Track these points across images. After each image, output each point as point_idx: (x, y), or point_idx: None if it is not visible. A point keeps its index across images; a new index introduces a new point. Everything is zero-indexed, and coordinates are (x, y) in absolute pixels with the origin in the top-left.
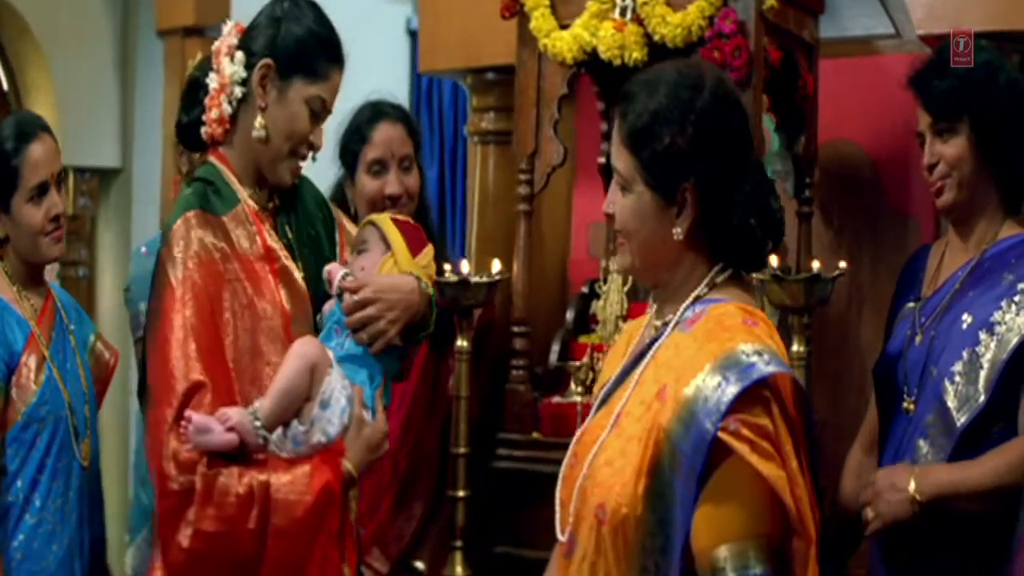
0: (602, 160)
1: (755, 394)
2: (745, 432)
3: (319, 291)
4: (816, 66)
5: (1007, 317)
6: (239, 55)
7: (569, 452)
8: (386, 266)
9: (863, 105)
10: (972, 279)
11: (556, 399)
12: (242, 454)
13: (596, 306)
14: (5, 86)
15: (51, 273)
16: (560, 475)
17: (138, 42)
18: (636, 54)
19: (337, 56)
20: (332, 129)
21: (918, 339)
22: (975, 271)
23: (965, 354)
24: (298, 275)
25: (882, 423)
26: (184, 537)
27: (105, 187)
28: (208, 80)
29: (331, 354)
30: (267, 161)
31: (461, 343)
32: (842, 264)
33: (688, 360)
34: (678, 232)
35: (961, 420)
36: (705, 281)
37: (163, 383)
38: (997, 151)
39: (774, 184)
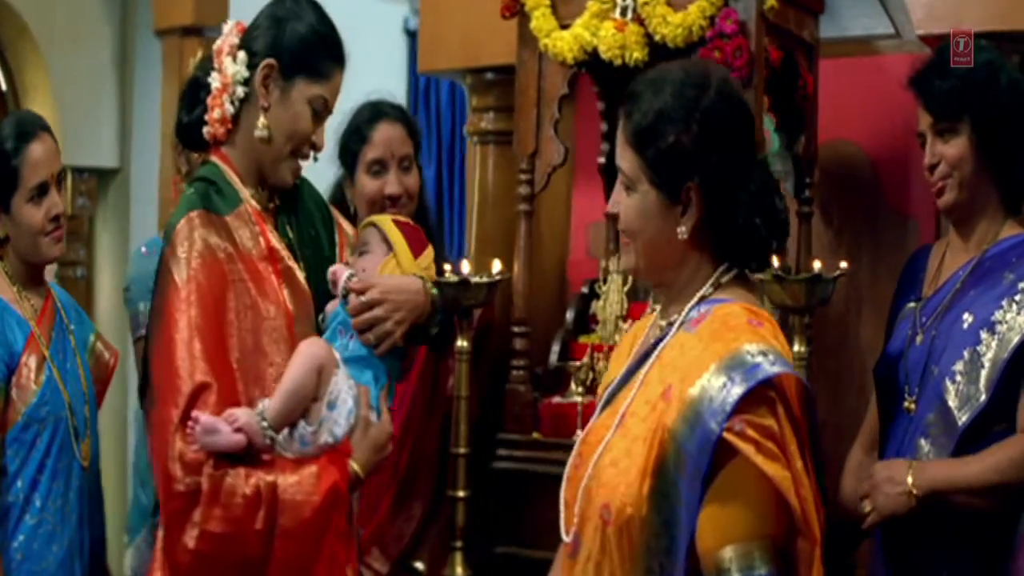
0: (602, 160)
1: (760, 395)
2: (750, 433)
3: (320, 291)
4: (816, 66)
5: (1008, 316)
6: (241, 55)
7: (574, 452)
8: (388, 267)
9: (863, 105)
10: (973, 279)
11: (556, 399)
12: (248, 455)
13: (596, 306)
14: (3, 86)
15: (49, 273)
16: (565, 475)
17: (136, 42)
18: (637, 54)
19: (339, 56)
20: (331, 129)
21: (919, 339)
22: (976, 271)
23: (966, 353)
24: (301, 275)
25: (883, 423)
26: (190, 538)
27: (103, 187)
28: (210, 80)
29: (337, 355)
30: (269, 161)
31: (461, 343)
32: (843, 264)
33: (693, 360)
34: (683, 231)
35: (962, 419)
36: (710, 281)
37: (168, 383)
38: (998, 151)
39: (779, 184)
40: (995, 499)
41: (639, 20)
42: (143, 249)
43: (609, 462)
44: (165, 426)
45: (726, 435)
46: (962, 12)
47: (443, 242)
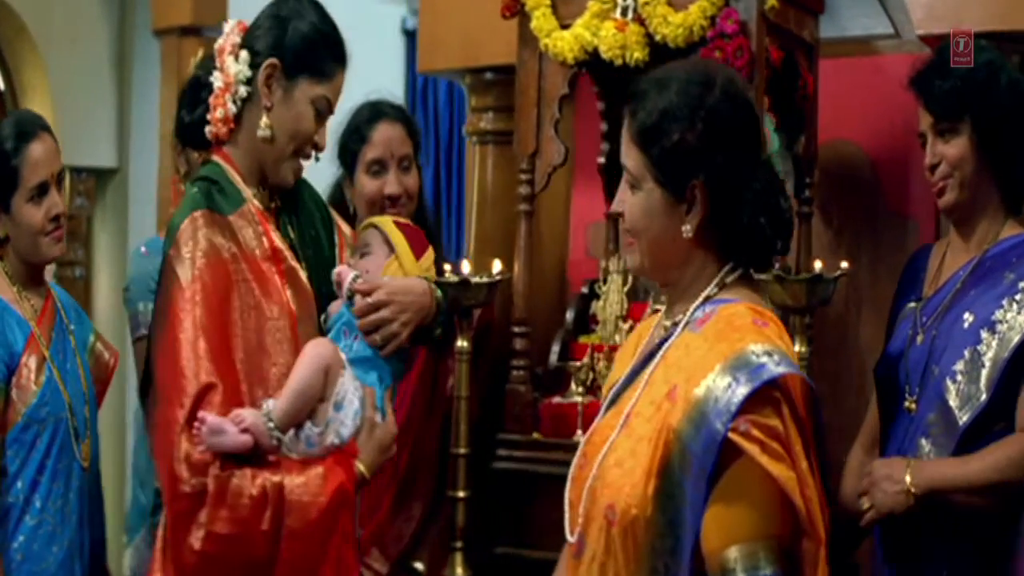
0: (601, 160)
1: (765, 395)
2: (755, 433)
3: (321, 292)
4: (816, 66)
5: (1008, 316)
6: (243, 54)
7: (578, 452)
8: (390, 269)
9: (862, 105)
10: (973, 278)
11: (556, 399)
12: (254, 455)
13: (596, 306)
14: (2, 86)
15: (48, 273)
16: (569, 475)
17: (135, 42)
18: (637, 54)
19: (341, 56)
20: (331, 129)
21: (919, 338)
22: (976, 270)
23: (967, 353)
24: (303, 275)
25: (883, 423)
26: (196, 539)
27: (102, 187)
28: (212, 79)
29: (343, 355)
30: (271, 161)
31: (461, 343)
32: (844, 264)
33: (698, 360)
34: (687, 230)
35: (963, 419)
36: (715, 281)
37: (173, 383)
38: (999, 151)
39: (784, 184)
40: (995, 498)
41: (640, 20)
42: (142, 249)
43: (614, 462)
44: (170, 426)
45: (731, 435)
46: (962, 12)
47: (441, 242)
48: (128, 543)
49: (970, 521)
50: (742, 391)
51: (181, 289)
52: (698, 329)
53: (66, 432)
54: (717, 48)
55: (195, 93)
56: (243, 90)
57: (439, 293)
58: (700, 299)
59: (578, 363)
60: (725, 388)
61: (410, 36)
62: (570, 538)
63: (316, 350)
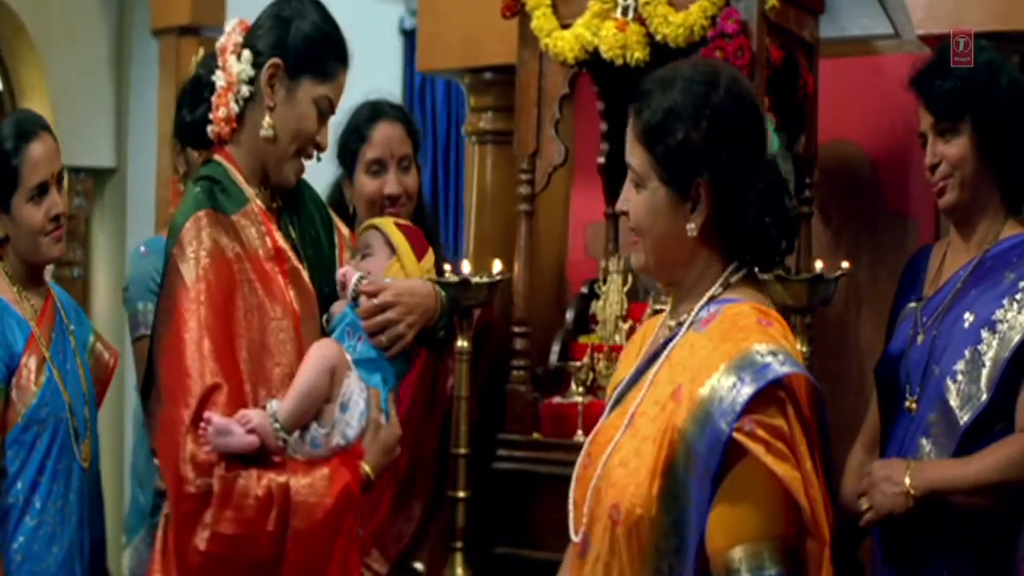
0: (601, 160)
1: (770, 395)
2: (760, 433)
3: (322, 292)
4: (816, 66)
5: (1009, 315)
6: (246, 53)
7: (583, 452)
8: (392, 270)
9: (862, 105)
10: (974, 278)
11: (556, 399)
12: (259, 456)
13: (596, 306)
14: (0, 86)
15: (46, 273)
16: (574, 475)
17: (133, 41)
18: (638, 54)
19: (344, 56)
20: (331, 129)
21: (920, 338)
22: (977, 270)
23: (967, 353)
24: (306, 276)
25: (884, 422)
26: (201, 540)
27: (100, 187)
28: (214, 78)
29: (348, 356)
30: (273, 160)
31: (461, 343)
32: (845, 264)
33: (703, 360)
34: (692, 228)
35: (964, 419)
36: (719, 281)
37: (179, 383)
38: (999, 151)
39: (788, 183)
40: (995, 498)
41: (640, 20)
42: (142, 249)
43: (618, 462)
44: (176, 427)
45: (736, 435)
46: (962, 12)
47: (439, 242)
48: (127, 543)
49: (970, 522)
50: (747, 391)
51: (186, 289)
52: (703, 329)
53: (66, 433)
54: (718, 48)
55: (197, 92)
56: (246, 89)
57: (443, 295)
58: (705, 299)
59: (578, 363)
60: (730, 388)
61: (408, 36)
62: (574, 538)
63: (322, 351)
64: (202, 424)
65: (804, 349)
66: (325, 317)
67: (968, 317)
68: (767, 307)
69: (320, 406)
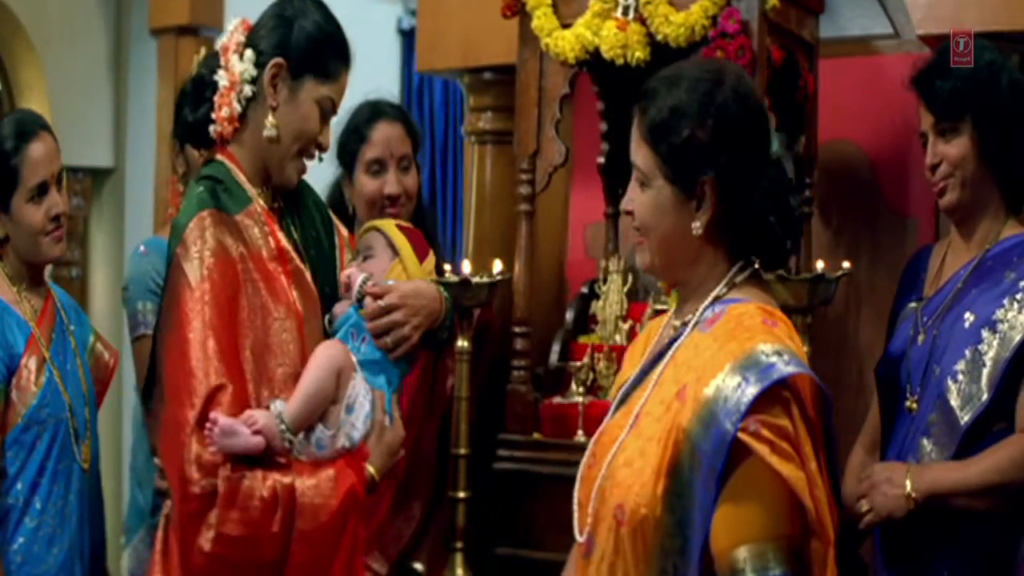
0: (601, 160)
1: (775, 394)
2: (765, 433)
3: (324, 293)
4: (816, 66)
5: (1009, 315)
6: (248, 53)
7: (588, 452)
8: (394, 272)
9: (862, 105)
10: (974, 278)
11: (557, 400)
12: (264, 457)
13: (596, 306)
14: None
15: (44, 273)
16: (578, 475)
17: (131, 41)
18: (639, 53)
19: (346, 56)
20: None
21: (920, 338)
22: (977, 270)
23: (968, 352)
24: (308, 276)
25: (884, 422)
26: (206, 540)
27: (98, 187)
28: (216, 77)
29: (353, 358)
30: (276, 160)
31: (461, 343)
32: (846, 264)
33: (708, 360)
34: (697, 226)
35: (965, 419)
36: (724, 281)
37: (184, 383)
38: (1000, 151)
39: (792, 182)
40: (996, 500)
41: (641, 19)
42: (141, 248)
43: (623, 462)
44: (180, 427)
45: (741, 435)
46: (962, 12)
47: (438, 243)
48: (126, 544)
49: (971, 524)
50: (752, 391)
51: (190, 288)
52: (707, 329)
53: (66, 433)
54: (719, 48)
55: (199, 91)
56: (248, 89)
57: (447, 297)
58: (710, 299)
59: (578, 363)
60: (735, 388)
61: (406, 36)
62: (579, 538)
63: (328, 352)
64: (208, 425)
65: (805, 349)
66: (327, 318)
67: (969, 317)
68: (772, 307)
69: (326, 407)
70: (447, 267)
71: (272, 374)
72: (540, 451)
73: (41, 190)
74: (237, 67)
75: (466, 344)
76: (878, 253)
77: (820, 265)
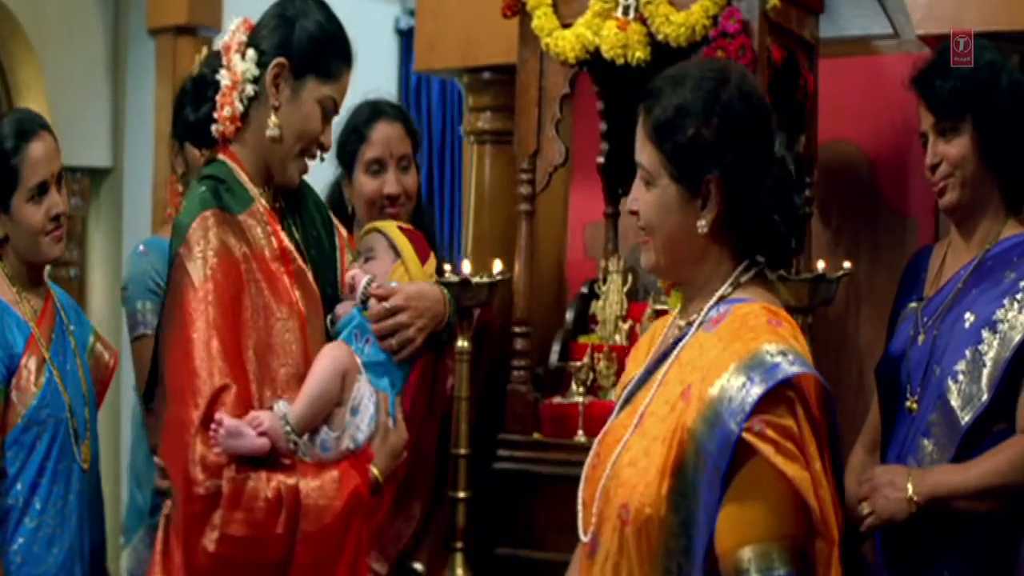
0: (600, 160)
1: (780, 394)
2: (770, 433)
3: (325, 293)
4: (816, 65)
5: (1010, 315)
6: (250, 52)
7: (592, 452)
8: (396, 274)
9: (862, 105)
10: (974, 278)
11: (557, 399)
12: (268, 458)
13: (596, 306)
14: None
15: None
16: (583, 475)
17: (130, 41)
18: (639, 53)
19: (348, 56)
20: None
21: (921, 338)
22: (977, 270)
23: (968, 353)
24: (310, 276)
25: (885, 423)
26: (210, 541)
27: (96, 187)
28: (218, 77)
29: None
30: (278, 160)
31: (461, 343)
32: (847, 264)
33: (713, 360)
34: (702, 225)
35: (965, 419)
36: (729, 280)
37: (188, 384)
38: (1000, 151)
39: (797, 182)
40: (997, 502)
41: (641, 19)
42: (140, 248)
43: (628, 462)
44: (184, 427)
45: (745, 435)
46: (962, 12)
47: (436, 243)
48: (125, 544)
49: (971, 526)
50: (756, 391)
51: (193, 288)
52: (712, 329)
53: (66, 434)
54: (719, 47)
55: (200, 91)
56: (250, 89)
57: (451, 298)
58: (714, 299)
59: (578, 363)
60: (739, 388)
61: (403, 35)
62: (583, 538)
63: (333, 354)
64: (213, 426)
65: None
66: (329, 318)
67: (969, 317)
68: (777, 307)
69: (331, 409)
70: (447, 267)
71: (275, 374)
72: (540, 451)
73: (41, 190)
74: (239, 66)
75: (466, 344)
76: (878, 253)
77: (821, 265)
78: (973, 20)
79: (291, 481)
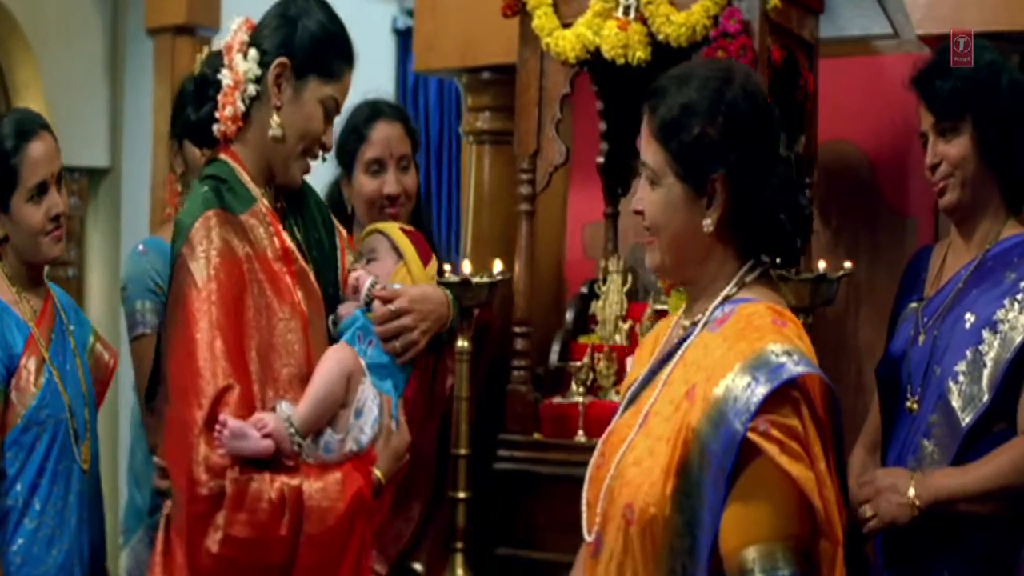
0: (600, 160)
1: (784, 394)
2: (775, 433)
3: (327, 293)
4: (816, 66)
5: (1010, 315)
6: (252, 52)
7: (596, 452)
8: (399, 276)
9: (861, 105)
10: (975, 278)
11: (557, 400)
12: (272, 459)
13: (595, 306)
14: None
15: None
16: (587, 475)
17: (128, 41)
18: (640, 53)
19: (349, 56)
20: None
21: (921, 339)
22: (978, 270)
23: (969, 353)
24: (312, 277)
25: (885, 423)
26: (213, 542)
27: (94, 187)
28: (220, 76)
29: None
30: (280, 160)
31: (462, 343)
32: (847, 264)
33: (718, 360)
34: (708, 224)
35: (966, 420)
36: (734, 280)
37: (191, 383)
38: (1000, 151)
39: (802, 181)
40: (999, 504)
41: (642, 19)
42: (140, 247)
43: (632, 461)
44: (188, 428)
45: (750, 435)
46: (962, 12)
47: (434, 243)
48: (125, 544)
49: (972, 528)
50: (761, 391)
51: (197, 288)
52: (717, 329)
53: (66, 434)
54: (720, 47)
55: (202, 90)
56: (252, 88)
57: (454, 301)
58: (719, 299)
59: (578, 363)
60: (744, 387)
61: (401, 35)
62: (588, 537)
63: (338, 356)
64: (217, 427)
65: None
66: (332, 319)
67: (969, 317)
68: (782, 307)
69: (335, 411)
70: (447, 267)
71: (277, 374)
72: (540, 451)
73: (41, 190)
74: (241, 66)
75: (466, 344)
76: (877, 253)
77: (822, 265)
78: (973, 20)
79: (294, 482)
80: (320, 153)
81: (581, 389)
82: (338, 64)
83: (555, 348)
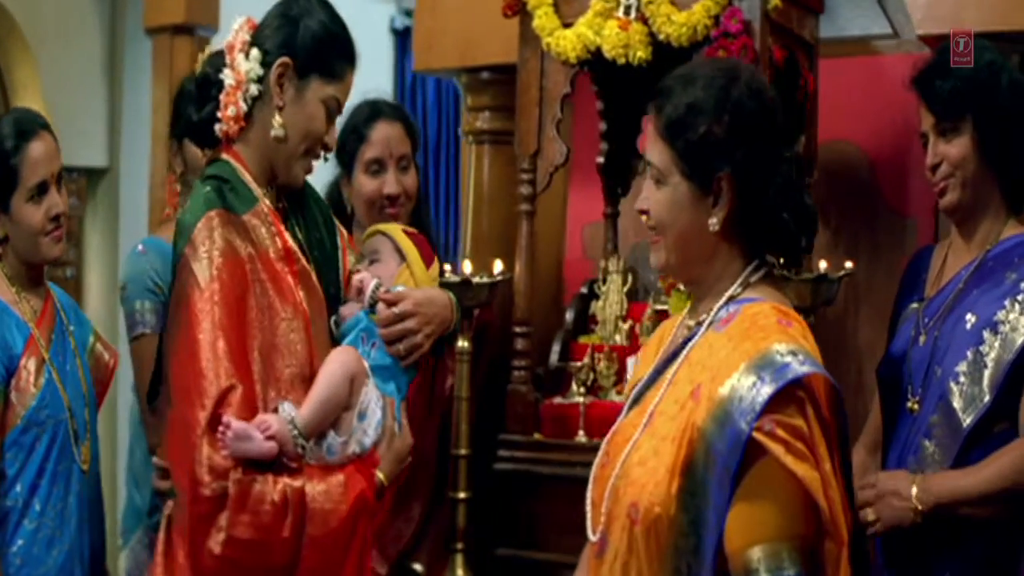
0: (600, 160)
1: (790, 394)
2: (780, 432)
3: (328, 294)
4: (816, 65)
5: (1011, 316)
6: (254, 52)
7: (601, 452)
8: (402, 278)
9: (861, 105)
10: (975, 279)
11: (557, 400)
12: (275, 460)
13: (595, 306)
14: None
15: None
16: (591, 475)
17: (126, 41)
18: (640, 53)
19: (351, 56)
20: None
21: (922, 339)
22: (978, 271)
23: (969, 354)
24: (314, 277)
25: (886, 423)
26: (216, 543)
27: (93, 187)
28: (222, 76)
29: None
30: (282, 160)
31: (461, 343)
32: (848, 264)
33: (723, 360)
34: (714, 223)
35: (967, 421)
36: (739, 280)
37: (193, 384)
38: (1000, 151)
39: (802, 181)
40: (1002, 506)
41: (643, 19)
42: (139, 247)
43: (637, 461)
44: (191, 428)
45: (755, 435)
46: (962, 12)
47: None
48: (124, 545)
49: (973, 530)
50: (767, 390)
51: (199, 289)
52: (722, 328)
53: (65, 434)
54: (721, 47)
55: (203, 90)
56: (254, 88)
57: (456, 303)
58: (724, 299)
59: (578, 363)
60: (750, 387)
61: (399, 35)
62: (592, 537)
63: (342, 358)
64: (221, 428)
65: None
66: (334, 319)
67: (970, 318)
68: (786, 307)
69: (339, 414)
70: (447, 267)
71: (279, 375)
72: (541, 451)
73: (41, 190)
74: (243, 66)
75: (466, 344)
76: (877, 253)
77: (823, 265)
78: (973, 20)
79: (297, 484)
80: (322, 153)
81: (581, 389)
82: (340, 64)
83: (555, 348)
